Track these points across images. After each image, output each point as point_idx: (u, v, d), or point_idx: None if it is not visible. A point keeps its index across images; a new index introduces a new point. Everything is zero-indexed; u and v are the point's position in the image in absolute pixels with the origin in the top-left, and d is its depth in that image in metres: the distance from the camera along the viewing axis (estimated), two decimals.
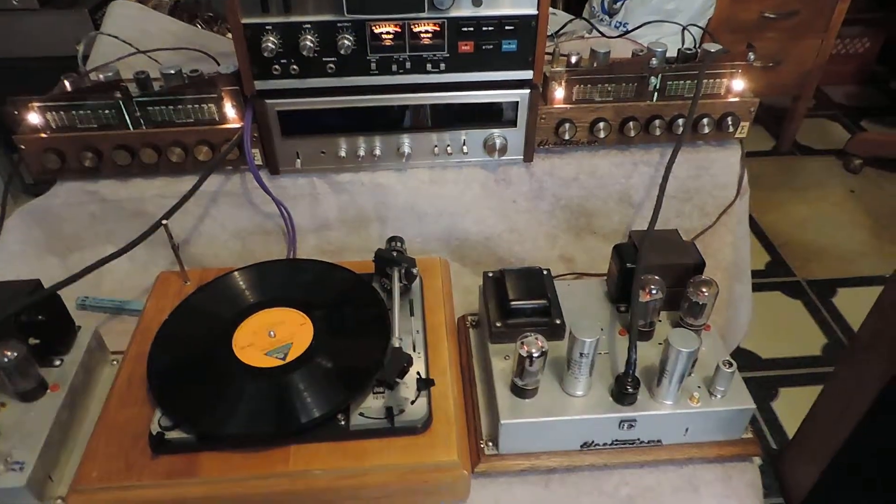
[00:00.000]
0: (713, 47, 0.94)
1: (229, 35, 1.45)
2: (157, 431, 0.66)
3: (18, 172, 1.67)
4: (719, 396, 0.69)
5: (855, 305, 1.37)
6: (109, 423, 0.70)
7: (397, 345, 0.69)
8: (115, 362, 0.82)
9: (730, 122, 0.95)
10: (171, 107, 0.89)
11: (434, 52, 0.84)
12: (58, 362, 0.75)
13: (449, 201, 0.95)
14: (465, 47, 0.84)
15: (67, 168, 0.91)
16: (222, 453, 0.66)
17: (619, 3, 1.45)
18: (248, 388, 0.69)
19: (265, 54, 0.81)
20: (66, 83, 0.91)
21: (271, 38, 0.81)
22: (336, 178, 0.95)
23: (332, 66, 0.84)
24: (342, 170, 0.95)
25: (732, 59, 0.93)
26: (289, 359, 0.72)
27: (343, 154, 0.92)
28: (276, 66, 0.84)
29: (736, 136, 0.97)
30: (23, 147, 0.89)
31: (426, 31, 0.83)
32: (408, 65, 0.85)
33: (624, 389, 0.68)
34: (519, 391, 0.69)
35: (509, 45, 0.84)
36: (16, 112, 0.86)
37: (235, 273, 0.83)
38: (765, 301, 1.36)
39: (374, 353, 0.72)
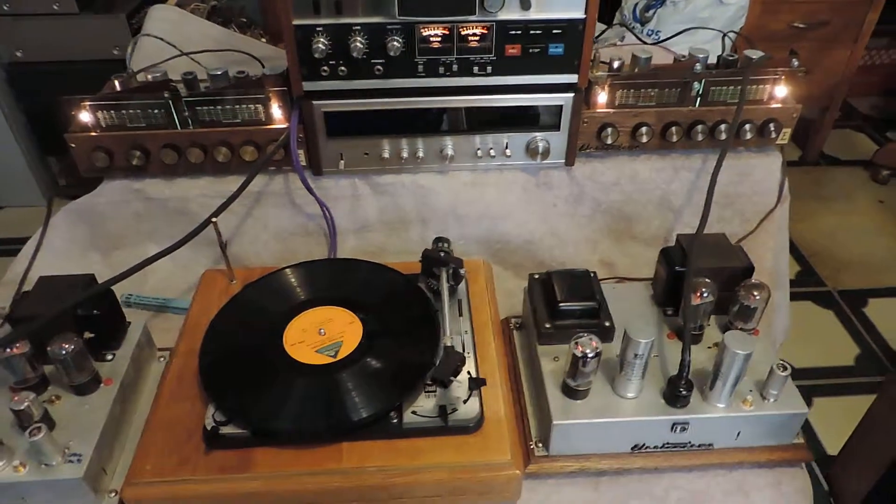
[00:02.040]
0: (754, 53, 0.95)
1: (263, 39, 1.48)
2: (211, 426, 0.66)
3: (68, 173, 1.69)
4: (772, 400, 0.69)
5: (887, 316, 1.36)
6: (162, 418, 0.71)
7: (449, 344, 0.69)
8: (161, 359, 0.83)
9: (772, 129, 0.95)
10: (219, 107, 0.90)
11: (481, 55, 0.85)
12: (109, 357, 0.76)
13: (490, 204, 0.96)
14: (512, 50, 0.85)
15: (115, 166, 0.93)
16: (275, 449, 0.67)
17: (651, 12, 1.45)
18: (302, 385, 0.69)
19: (315, 55, 0.82)
20: (116, 83, 0.92)
21: (322, 40, 0.82)
22: (377, 179, 0.96)
23: (379, 67, 0.85)
24: (384, 171, 0.95)
25: (775, 65, 0.93)
26: (339, 356, 0.72)
27: (386, 155, 0.93)
28: (325, 68, 0.85)
29: (777, 142, 0.97)
30: (73, 145, 0.91)
31: (474, 34, 0.83)
32: (455, 67, 0.86)
33: (677, 392, 0.68)
34: (570, 392, 0.69)
35: (556, 49, 0.85)
36: (72, 112, 0.87)
37: (284, 271, 0.83)
38: (796, 310, 1.35)
39: (424, 352, 0.72)
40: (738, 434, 0.70)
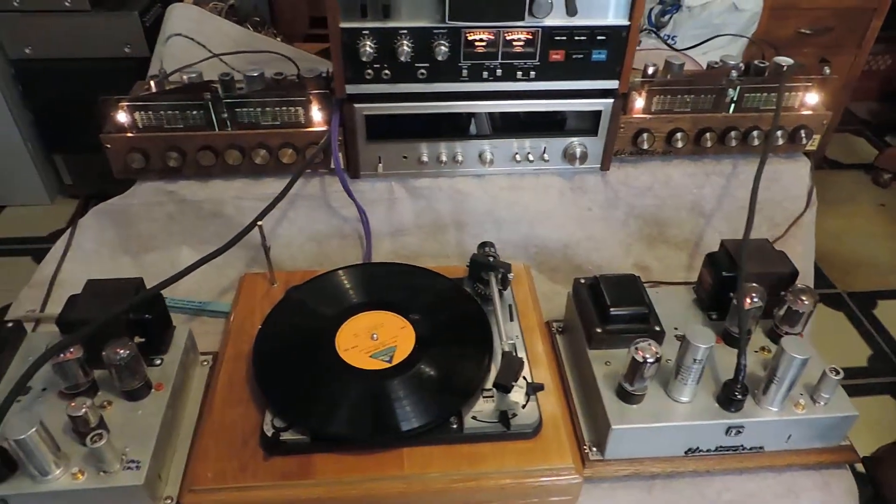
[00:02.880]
0: (784, 61, 0.97)
1: (278, 39, 1.46)
2: (271, 433, 0.66)
3: (75, 171, 1.67)
4: (822, 403, 0.70)
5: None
6: (215, 423, 0.70)
7: (507, 349, 0.70)
8: (204, 363, 0.82)
9: (803, 135, 0.97)
10: (259, 109, 0.89)
11: (525, 60, 0.85)
12: (158, 361, 0.75)
13: (528, 208, 0.96)
14: (556, 56, 0.85)
15: (150, 168, 0.92)
16: (335, 455, 0.67)
17: (666, 17, 1.47)
18: (362, 391, 0.69)
19: (363, 59, 0.82)
20: (152, 84, 0.91)
21: (368, 43, 0.81)
22: (414, 183, 0.96)
23: (423, 71, 0.85)
24: (421, 175, 0.95)
25: (807, 72, 0.95)
26: (395, 361, 0.72)
27: (425, 159, 0.93)
28: (369, 71, 0.85)
29: (807, 148, 0.99)
30: (108, 146, 0.90)
31: (518, 40, 0.84)
32: (498, 72, 0.86)
33: (732, 395, 0.69)
34: (627, 396, 0.70)
35: (599, 55, 0.86)
36: (109, 113, 0.86)
37: (330, 275, 0.83)
38: None
39: (478, 356, 0.72)
40: (789, 437, 0.72)
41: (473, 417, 0.68)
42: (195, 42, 1.04)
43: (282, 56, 1.05)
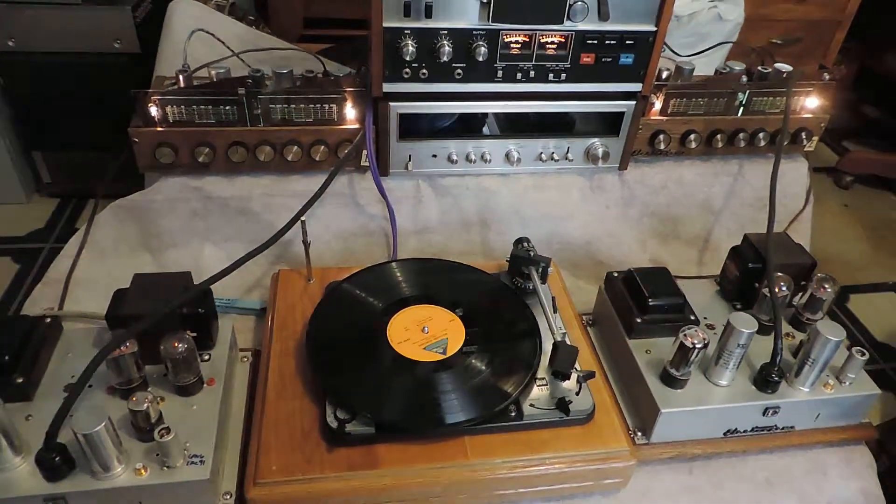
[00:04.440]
0: (784, 67, 1.03)
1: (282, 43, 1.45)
2: (336, 424, 0.67)
3: (55, 169, 1.60)
4: (848, 383, 0.76)
5: (869, 310, 1.49)
6: (273, 417, 0.70)
7: (559, 338, 0.72)
8: (244, 359, 0.82)
9: (803, 136, 1.03)
10: (293, 105, 0.89)
11: (557, 63, 0.89)
12: (206, 357, 0.74)
13: (552, 206, 0.99)
14: (587, 59, 0.89)
15: (178, 163, 0.90)
16: (399, 444, 0.68)
17: None
18: (423, 382, 0.70)
19: (406, 57, 0.83)
20: (181, 78, 0.90)
21: (410, 42, 0.83)
22: (441, 181, 0.98)
23: (459, 72, 0.87)
24: (449, 174, 0.97)
25: (808, 78, 1.01)
26: (449, 353, 0.74)
27: (455, 157, 0.95)
28: (407, 70, 0.86)
29: (806, 149, 1.06)
30: (136, 140, 0.88)
31: (552, 42, 0.87)
32: (532, 73, 0.89)
33: (770, 377, 0.73)
34: (672, 381, 0.74)
35: (626, 59, 0.90)
36: (149, 105, 0.85)
37: (375, 270, 0.84)
38: None
39: (530, 345, 0.75)
40: (818, 416, 0.77)
41: (531, 405, 0.70)
42: (216, 38, 1.03)
43: (314, 56, 1.05)
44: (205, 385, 0.71)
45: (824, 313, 0.81)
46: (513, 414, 0.70)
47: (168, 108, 0.87)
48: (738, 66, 1.03)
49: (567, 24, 0.85)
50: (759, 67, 1.05)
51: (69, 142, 1.56)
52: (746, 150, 1.04)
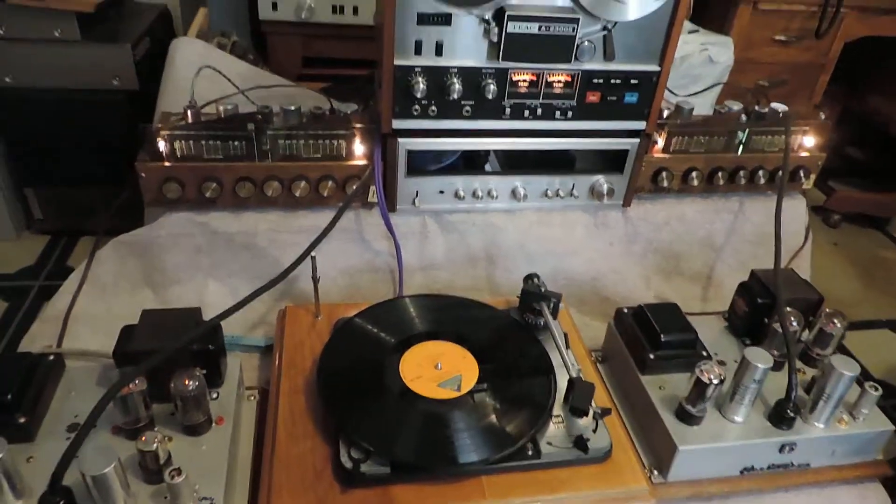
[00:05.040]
0: (780, 107, 1.06)
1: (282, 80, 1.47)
2: (350, 465, 0.65)
3: (46, 206, 1.58)
4: (862, 419, 0.76)
5: (864, 347, 1.51)
6: (284, 457, 0.68)
7: (575, 374, 0.72)
8: (251, 397, 0.80)
9: (801, 174, 1.05)
10: (302, 141, 0.90)
11: (563, 101, 0.90)
12: (214, 395, 0.73)
13: (557, 242, 1.00)
14: (592, 97, 0.91)
15: (184, 198, 0.90)
16: (414, 485, 0.66)
17: None
18: (439, 420, 0.69)
19: (416, 94, 0.84)
20: (189, 114, 0.90)
21: (420, 80, 0.84)
22: (448, 217, 0.98)
23: (468, 109, 0.88)
24: (455, 210, 0.98)
25: (804, 117, 1.04)
26: (464, 390, 0.73)
27: (462, 194, 0.95)
28: (417, 107, 0.87)
29: (803, 187, 1.08)
30: (143, 174, 0.87)
31: (559, 81, 0.89)
32: (539, 111, 0.90)
33: (786, 413, 0.73)
34: (688, 418, 0.73)
35: (631, 98, 0.92)
36: (157, 140, 0.84)
37: (382, 307, 0.83)
38: None
39: (545, 382, 0.74)
40: (833, 452, 0.76)
41: (548, 443, 0.69)
42: (222, 75, 1.03)
43: (322, 94, 1.06)
44: (213, 424, 0.69)
45: (834, 349, 0.82)
46: (530, 453, 0.68)
47: (176, 143, 0.87)
48: (736, 106, 1.05)
49: (574, 64, 0.87)
50: (756, 107, 1.07)
51: (64, 178, 1.55)
52: (746, 188, 1.05)
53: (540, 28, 0.82)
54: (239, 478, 0.71)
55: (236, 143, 0.88)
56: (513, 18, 0.80)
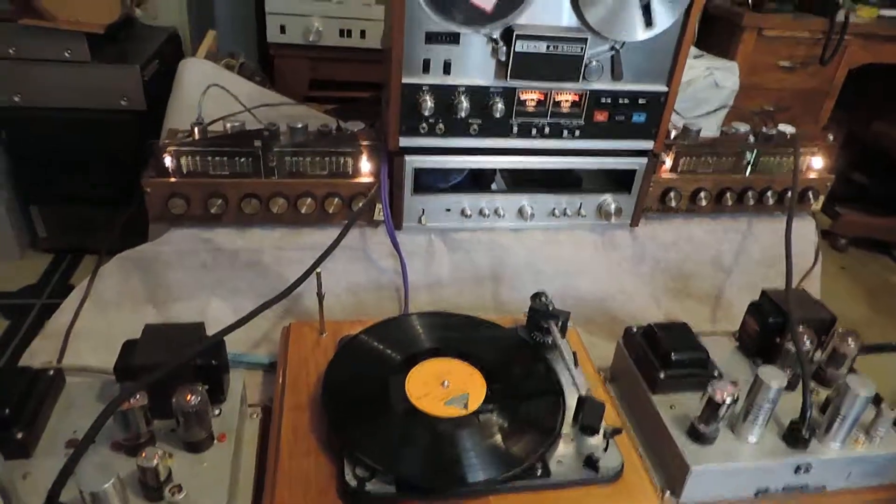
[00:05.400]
0: (787, 129, 1.06)
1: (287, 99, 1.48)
2: (355, 483, 0.63)
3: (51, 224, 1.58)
4: (878, 440, 0.74)
5: (874, 371, 1.48)
6: (287, 475, 0.66)
7: (584, 392, 0.70)
8: (254, 415, 0.79)
9: (810, 195, 1.05)
10: (309, 158, 0.89)
11: (571, 120, 0.90)
12: (217, 412, 0.71)
13: (565, 262, 0.99)
14: (600, 117, 0.91)
15: (189, 214, 0.89)
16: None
17: None
18: (446, 439, 0.67)
19: (424, 112, 0.84)
20: (196, 130, 0.90)
21: (427, 98, 0.84)
22: (454, 236, 0.97)
23: (475, 127, 0.88)
24: (462, 228, 0.97)
25: (812, 139, 1.04)
26: (471, 409, 0.71)
27: (468, 212, 0.95)
28: (424, 125, 0.87)
29: (812, 208, 1.07)
30: (148, 190, 0.87)
31: (567, 101, 0.89)
32: (546, 130, 0.90)
33: (800, 433, 0.71)
34: (700, 438, 0.71)
35: (639, 118, 0.92)
36: (164, 156, 0.84)
37: (390, 324, 0.82)
38: None
39: (554, 400, 0.73)
40: (849, 475, 0.74)
41: (558, 462, 0.68)
42: (229, 94, 1.04)
43: (327, 114, 1.06)
44: (215, 441, 0.68)
45: (848, 369, 0.80)
46: (539, 472, 0.67)
47: (183, 159, 0.87)
48: (744, 128, 1.05)
49: (582, 84, 0.87)
50: (763, 129, 1.07)
51: (69, 197, 1.56)
52: (755, 209, 1.05)
53: (548, 48, 0.82)
54: (241, 496, 0.69)
55: (242, 159, 0.88)
56: (521, 38, 0.81)
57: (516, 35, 0.81)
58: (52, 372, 0.72)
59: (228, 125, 0.91)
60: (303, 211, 0.91)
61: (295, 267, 0.94)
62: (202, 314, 0.94)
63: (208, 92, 1.16)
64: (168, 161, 0.86)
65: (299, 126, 0.91)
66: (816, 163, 1.04)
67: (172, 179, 0.87)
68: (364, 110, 1.38)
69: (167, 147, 0.86)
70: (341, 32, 1.58)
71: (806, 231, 1.08)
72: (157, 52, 1.62)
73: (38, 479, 0.62)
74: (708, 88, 1.57)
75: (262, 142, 0.87)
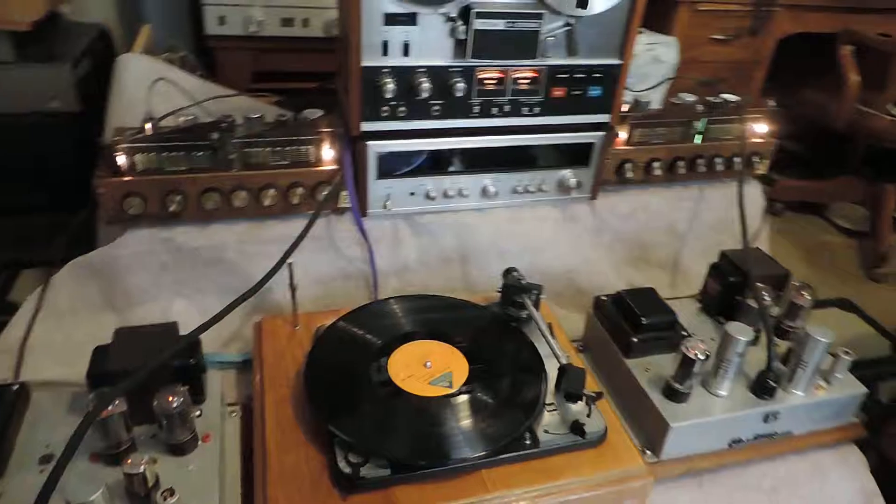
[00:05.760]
0: (731, 97, 1.10)
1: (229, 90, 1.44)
2: (349, 470, 0.63)
3: None
4: (836, 384, 0.79)
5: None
6: (278, 470, 0.66)
7: (565, 361, 0.72)
8: (233, 413, 0.77)
9: (756, 160, 1.10)
10: (269, 148, 0.88)
11: (530, 97, 0.91)
12: (197, 412, 0.69)
13: (530, 238, 1.01)
14: (558, 92, 0.92)
15: (147, 213, 0.86)
16: (416, 485, 0.64)
17: None
18: (435, 417, 0.68)
19: (386, 95, 0.84)
20: (147, 126, 0.87)
21: (389, 80, 0.84)
22: (419, 220, 0.97)
23: (437, 109, 0.88)
24: (427, 211, 0.97)
25: (756, 106, 1.09)
26: (456, 386, 0.72)
27: (433, 194, 0.95)
28: (386, 108, 0.86)
29: (758, 172, 1.12)
30: (102, 191, 0.84)
31: (525, 78, 0.90)
32: (507, 108, 0.91)
33: (767, 383, 0.75)
34: (676, 396, 0.74)
35: (595, 91, 0.94)
36: (117, 153, 0.81)
37: (363, 311, 0.82)
38: None
39: (536, 371, 0.74)
40: (813, 418, 0.79)
41: (546, 431, 0.69)
42: (178, 88, 1.00)
43: (236, 104, 1.04)
44: (200, 442, 0.66)
45: (804, 321, 0.85)
46: (528, 442, 0.68)
47: (137, 157, 0.83)
48: (690, 98, 1.09)
49: (539, 60, 0.88)
50: (709, 98, 1.11)
51: (2, 209, 1.47)
52: (705, 176, 1.09)
53: (506, 24, 0.83)
54: (229, 495, 0.68)
55: (200, 153, 0.85)
56: (480, 15, 0.81)
57: (475, 13, 0.81)
58: (16, 387, 0.68)
59: (181, 119, 0.88)
60: (266, 203, 0.89)
61: (260, 261, 0.92)
62: (166, 316, 0.91)
63: (152, 88, 1.12)
64: (121, 159, 0.83)
65: (255, 116, 0.89)
66: (760, 128, 1.09)
67: (127, 178, 0.84)
68: (313, 101, 1.36)
69: (119, 145, 0.82)
70: (283, 22, 1.55)
71: (753, 194, 1.13)
72: (88, 49, 1.54)
73: (15, 499, 0.60)
74: (650, 63, 1.61)
75: (219, 134, 0.85)
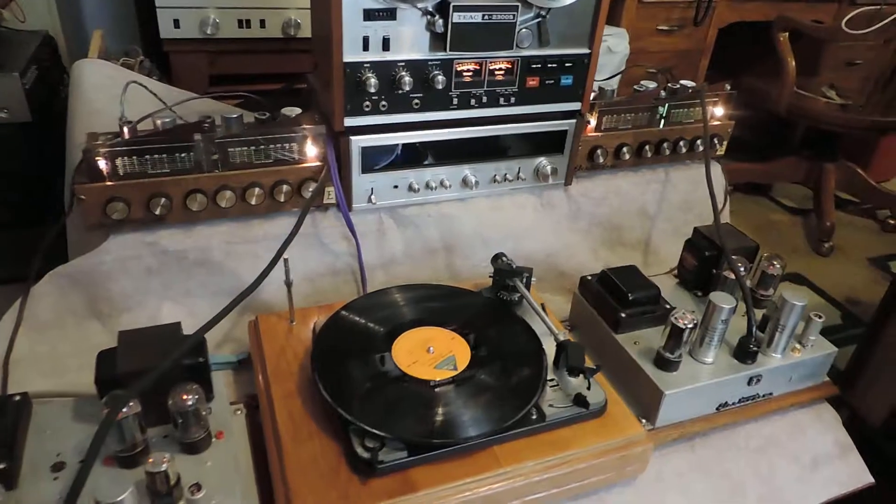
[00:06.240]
0: (688, 83, 1.16)
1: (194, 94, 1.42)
2: (366, 455, 0.64)
3: None
4: (810, 346, 0.84)
5: None
6: (296, 462, 0.66)
7: (563, 338, 0.75)
8: (238, 412, 0.77)
9: (716, 142, 1.16)
10: (253, 147, 0.87)
11: (506, 87, 0.94)
12: (205, 411, 0.69)
13: (511, 225, 1.03)
14: (532, 82, 0.95)
15: (130, 218, 0.85)
16: (432, 465, 0.66)
17: None
18: (447, 399, 0.70)
19: (369, 90, 0.85)
20: (125, 130, 0.85)
21: (370, 76, 0.85)
22: (403, 212, 0.99)
23: (417, 101, 0.90)
24: (410, 203, 0.99)
25: (713, 90, 1.15)
26: (461, 368, 0.74)
27: (416, 186, 0.97)
28: (368, 103, 0.88)
29: (718, 153, 1.18)
30: (83, 197, 0.82)
31: (500, 69, 0.93)
32: (484, 99, 0.94)
33: (749, 348, 0.80)
34: (666, 365, 0.78)
35: (567, 80, 0.97)
36: (97, 158, 0.79)
37: (368, 299, 0.83)
38: None
39: (536, 350, 0.77)
40: (790, 379, 0.84)
41: (550, 405, 0.72)
42: (149, 91, 0.98)
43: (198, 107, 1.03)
44: (214, 439, 0.66)
45: (776, 288, 0.90)
46: (534, 417, 0.71)
47: (118, 161, 0.82)
48: (651, 84, 1.14)
49: (514, 51, 0.91)
50: (669, 84, 1.17)
51: None
52: (670, 159, 1.14)
53: (483, 17, 0.85)
54: (247, 489, 0.68)
55: (183, 154, 0.84)
56: (458, 9, 0.83)
57: (453, 6, 0.83)
58: (17, 398, 0.67)
59: (159, 122, 0.87)
60: (252, 202, 0.89)
61: (247, 260, 0.92)
62: (154, 321, 0.89)
63: (109, 93, 1.09)
64: (102, 164, 0.81)
65: (234, 116, 0.89)
66: (718, 111, 1.15)
67: (109, 183, 0.82)
68: (283, 102, 1.35)
69: (98, 150, 0.81)
70: (240, 23, 1.53)
71: (715, 174, 1.19)
72: (34, 57, 1.49)
73: None
74: (603, 55, 1.66)
75: (202, 135, 0.84)
